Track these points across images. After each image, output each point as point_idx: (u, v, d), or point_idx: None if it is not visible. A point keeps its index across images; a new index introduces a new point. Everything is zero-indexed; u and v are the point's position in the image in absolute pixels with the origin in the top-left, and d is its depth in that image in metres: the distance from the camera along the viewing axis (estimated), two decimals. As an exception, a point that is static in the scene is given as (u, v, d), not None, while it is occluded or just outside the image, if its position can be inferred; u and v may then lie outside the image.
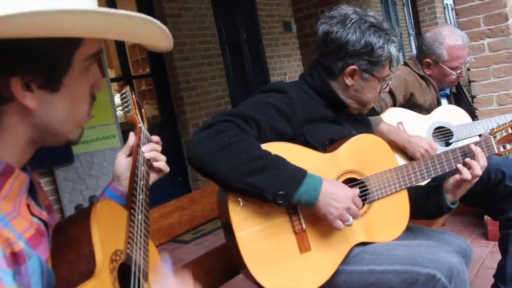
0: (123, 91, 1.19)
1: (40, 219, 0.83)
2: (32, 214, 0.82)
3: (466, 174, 1.52)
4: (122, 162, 1.17)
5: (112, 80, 5.10)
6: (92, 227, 0.78)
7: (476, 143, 1.58)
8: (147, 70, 5.71)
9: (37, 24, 0.62)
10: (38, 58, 0.73)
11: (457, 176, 1.54)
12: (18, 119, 0.77)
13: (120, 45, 5.24)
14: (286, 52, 7.32)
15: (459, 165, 1.54)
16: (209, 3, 5.89)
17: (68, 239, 0.79)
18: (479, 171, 1.51)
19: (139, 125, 1.18)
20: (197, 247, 4.09)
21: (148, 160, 1.12)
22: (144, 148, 1.12)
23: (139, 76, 5.97)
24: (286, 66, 7.29)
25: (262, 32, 6.90)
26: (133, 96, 1.21)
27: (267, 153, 1.33)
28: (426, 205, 1.62)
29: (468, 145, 1.57)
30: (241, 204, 1.35)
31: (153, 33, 0.74)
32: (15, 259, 0.72)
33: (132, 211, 0.95)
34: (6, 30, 0.62)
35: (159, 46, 0.80)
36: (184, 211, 1.71)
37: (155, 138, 1.19)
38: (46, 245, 0.82)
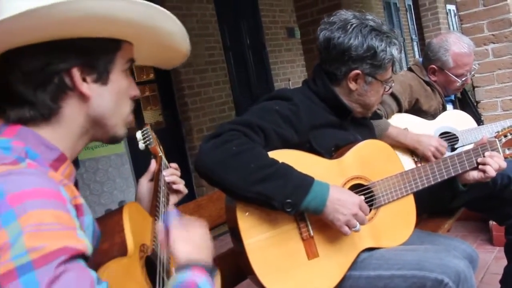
0: (144, 129, 1.34)
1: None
2: None
3: (491, 172, 1.57)
4: (144, 186, 1.30)
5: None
6: (124, 220, 0.91)
7: (481, 147, 1.60)
8: (151, 76, 5.73)
9: (91, 18, 0.81)
10: (91, 55, 0.88)
11: (482, 174, 1.60)
12: (76, 108, 0.89)
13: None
14: (290, 58, 7.33)
15: (481, 165, 1.59)
16: (213, 9, 5.92)
17: (102, 232, 0.89)
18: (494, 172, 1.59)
19: (159, 154, 1.33)
20: (201, 253, 4.08)
21: (168, 183, 1.28)
22: (165, 173, 1.28)
23: (144, 82, 5.99)
24: (290, 72, 7.30)
25: (265, 38, 6.92)
26: (153, 132, 1.37)
27: (274, 162, 1.34)
28: (440, 191, 1.65)
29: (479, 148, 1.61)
30: (249, 211, 1.36)
31: (176, 32, 0.96)
32: (78, 210, 0.83)
33: (155, 218, 1.07)
34: (64, 30, 0.82)
35: (178, 52, 1.02)
36: (191, 216, 1.71)
37: (174, 165, 1.35)
38: None
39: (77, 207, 0.83)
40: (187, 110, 5.48)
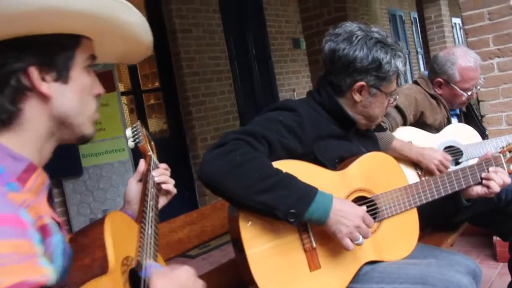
0: (134, 125, 1.30)
1: (56, 222, 0.88)
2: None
3: (495, 187, 1.55)
4: (133, 187, 1.26)
5: (122, 93, 5.15)
6: (106, 233, 0.86)
7: (486, 162, 1.59)
8: (157, 84, 5.76)
9: (44, 15, 0.77)
10: (49, 52, 0.84)
11: (485, 189, 1.58)
12: (38, 110, 0.85)
13: (130, 59, 5.29)
14: (295, 69, 7.36)
15: (485, 180, 1.58)
16: (219, 19, 5.96)
17: (83, 246, 0.86)
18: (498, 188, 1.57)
19: (149, 153, 1.28)
20: (203, 262, 4.07)
21: (158, 184, 1.23)
22: (154, 173, 1.23)
23: (149, 90, 6.02)
24: (295, 82, 7.33)
25: (271, 49, 6.96)
26: (143, 129, 1.31)
27: (278, 171, 1.33)
28: (443, 205, 1.64)
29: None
30: (251, 221, 1.36)
31: (137, 24, 0.92)
32: (43, 232, 0.78)
33: (142, 224, 1.02)
34: (19, 27, 0.77)
35: (140, 45, 0.99)
36: (194, 225, 1.71)
37: (164, 165, 1.29)
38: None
39: (43, 229, 0.78)
40: (192, 119, 5.50)
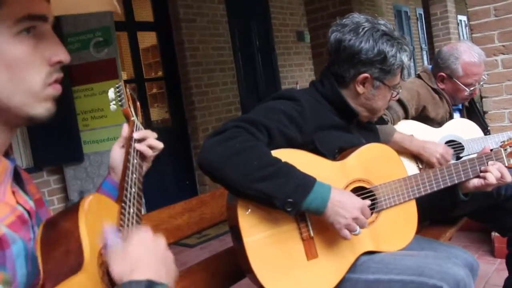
0: (117, 85, 1.17)
1: (24, 208, 0.82)
2: (17, 202, 0.81)
3: (491, 178, 1.56)
4: (117, 154, 1.17)
5: (125, 82, 5.14)
6: (80, 222, 0.77)
7: (486, 156, 1.59)
8: (160, 73, 5.76)
9: None
10: None
11: (482, 181, 1.59)
12: None
13: (134, 47, 5.29)
14: (298, 62, 7.34)
15: (483, 172, 1.58)
16: (224, 10, 5.94)
17: (57, 235, 0.78)
18: (494, 180, 1.57)
19: (132, 118, 1.18)
20: (201, 251, 4.09)
21: (142, 152, 1.11)
22: (136, 135, 1.11)
23: (152, 79, 6.02)
24: (298, 75, 7.32)
25: (275, 41, 6.94)
26: (127, 90, 1.20)
27: (277, 160, 1.33)
28: (440, 199, 1.65)
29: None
30: (250, 209, 1.36)
31: None
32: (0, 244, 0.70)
33: (123, 204, 0.93)
34: None
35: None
36: (193, 213, 1.71)
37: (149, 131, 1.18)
38: (28, 234, 0.80)
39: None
40: (194, 109, 5.50)
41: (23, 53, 0.74)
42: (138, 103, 1.24)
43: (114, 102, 1.16)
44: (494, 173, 1.56)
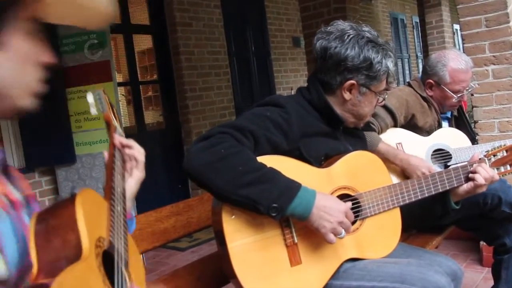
0: (96, 92, 1.20)
1: (8, 199, 0.83)
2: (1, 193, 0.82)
3: (480, 179, 1.59)
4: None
5: (120, 84, 5.15)
6: (78, 214, 0.80)
7: (470, 164, 1.61)
8: (155, 76, 5.76)
9: None
10: None
11: (470, 183, 1.62)
12: None
13: (129, 50, 5.29)
14: (294, 67, 7.36)
15: (472, 173, 1.62)
16: (220, 14, 5.96)
17: (52, 227, 0.80)
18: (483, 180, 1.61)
19: (113, 123, 1.22)
20: (192, 255, 4.09)
21: (123, 156, 1.16)
22: (117, 138, 1.16)
23: (146, 82, 6.02)
24: (293, 81, 7.33)
25: (271, 46, 6.96)
26: (106, 97, 1.23)
27: (262, 166, 1.34)
28: (431, 207, 1.67)
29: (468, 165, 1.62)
30: (234, 215, 1.36)
31: None
32: None
33: (112, 201, 0.98)
34: None
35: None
36: (180, 216, 1.72)
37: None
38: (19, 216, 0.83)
39: None
40: (188, 113, 5.50)
41: (28, 50, 0.81)
42: (115, 110, 1.27)
43: (94, 108, 1.18)
44: (482, 173, 1.59)
